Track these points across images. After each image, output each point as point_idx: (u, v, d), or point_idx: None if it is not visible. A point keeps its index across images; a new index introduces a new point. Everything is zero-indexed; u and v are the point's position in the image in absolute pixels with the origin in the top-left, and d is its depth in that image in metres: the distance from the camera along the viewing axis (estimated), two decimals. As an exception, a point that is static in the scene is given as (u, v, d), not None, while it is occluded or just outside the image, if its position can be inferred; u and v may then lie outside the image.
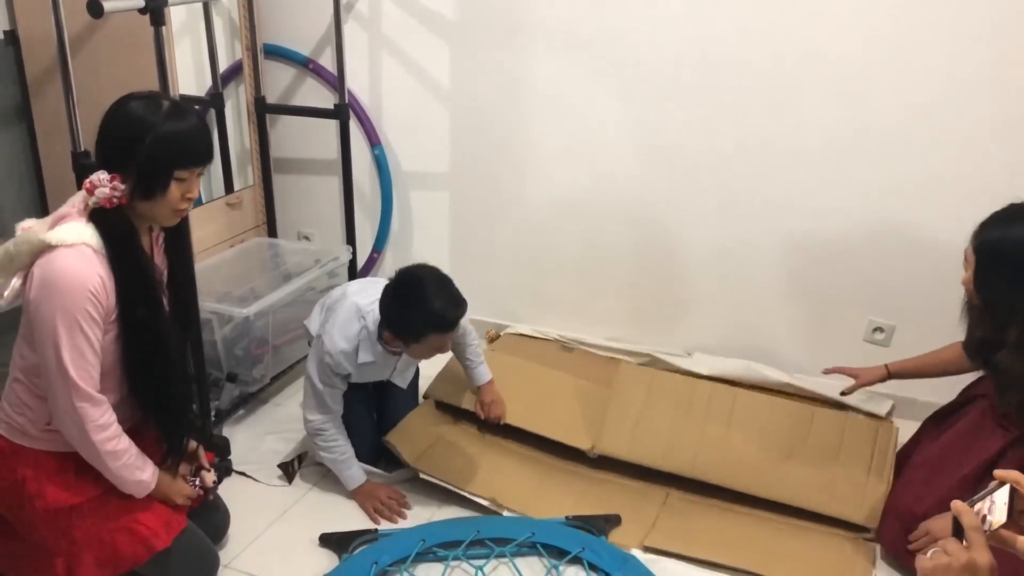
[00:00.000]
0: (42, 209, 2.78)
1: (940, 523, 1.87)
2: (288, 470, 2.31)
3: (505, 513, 2.15)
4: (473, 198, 3.02)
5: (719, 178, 2.68)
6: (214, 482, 1.92)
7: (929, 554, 0.96)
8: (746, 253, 2.73)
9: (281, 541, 2.07)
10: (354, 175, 3.00)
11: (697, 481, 2.24)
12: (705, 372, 2.78)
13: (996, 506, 0.98)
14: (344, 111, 2.88)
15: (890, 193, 2.50)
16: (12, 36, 2.63)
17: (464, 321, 2.36)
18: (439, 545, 1.99)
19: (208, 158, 1.67)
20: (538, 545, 2.01)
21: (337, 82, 2.87)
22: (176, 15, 2.61)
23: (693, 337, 2.89)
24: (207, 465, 1.92)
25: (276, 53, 3.06)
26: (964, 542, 0.94)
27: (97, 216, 1.60)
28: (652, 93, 2.66)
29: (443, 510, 2.20)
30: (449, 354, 2.56)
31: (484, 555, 2.00)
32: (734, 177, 2.66)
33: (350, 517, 2.14)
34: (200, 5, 2.79)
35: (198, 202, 1.75)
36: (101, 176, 1.58)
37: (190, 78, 2.82)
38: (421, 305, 1.99)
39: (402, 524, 2.12)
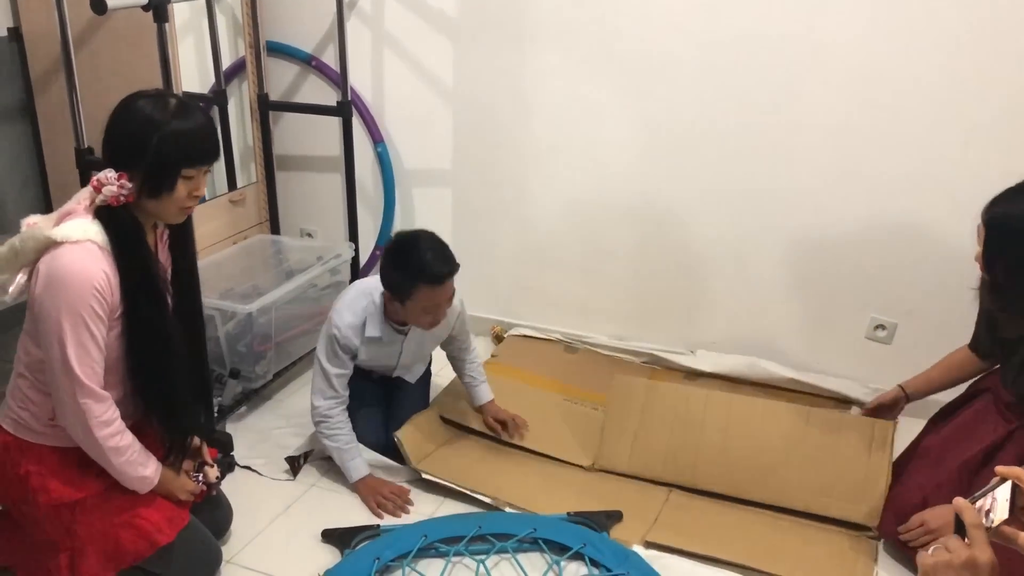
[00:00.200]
0: (45, 206, 2.79)
1: (934, 513, 1.87)
2: (294, 464, 2.31)
3: (507, 510, 2.15)
4: (476, 195, 3.02)
5: (722, 175, 2.68)
6: (217, 478, 1.92)
7: (931, 551, 0.96)
8: (749, 250, 2.73)
9: (284, 537, 2.07)
10: (357, 172, 3.00)
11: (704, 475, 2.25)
12: (709, 369, 2.79)
13: (998, 503, 0.98)
14: (347, 108, 2.88)
15: (893, 191, 2.50)
16: (16, 33, 2.64)
17: (468, 335, 2.42)
18: (441, 541, 2.00)
19: (215, 156, 1.68)
20: (539, 541, 2.01)
21: (340, 79, 2.88)
22: (179, 12, 2.61)
23: (697, 334, 2.90)
24: (210, 461, 1.92)
25: (279, 50, 3.07)
26: (966, 539, 0.95)
27: (103, 213, 1.60)
28: (655, 90, 2.66)
29: (445, 506, 2.20)
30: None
31: (485, 551, 2.00)
32: (737, 174, 2.66)
33: (353, 513, 2.15)
34: (203, 2, 2.80)
35: (201, 199, 1.75)
36: (108, 174, 1.59)
37: (193, 75, 2.82)
38: (412, 258, 2.04)
39: (404, 520, 2.13)
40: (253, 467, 2.33)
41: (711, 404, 2.34)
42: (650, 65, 2.64)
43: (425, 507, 2.20)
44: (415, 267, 2.04)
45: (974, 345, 2.06)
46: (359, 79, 3.01)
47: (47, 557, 1.70)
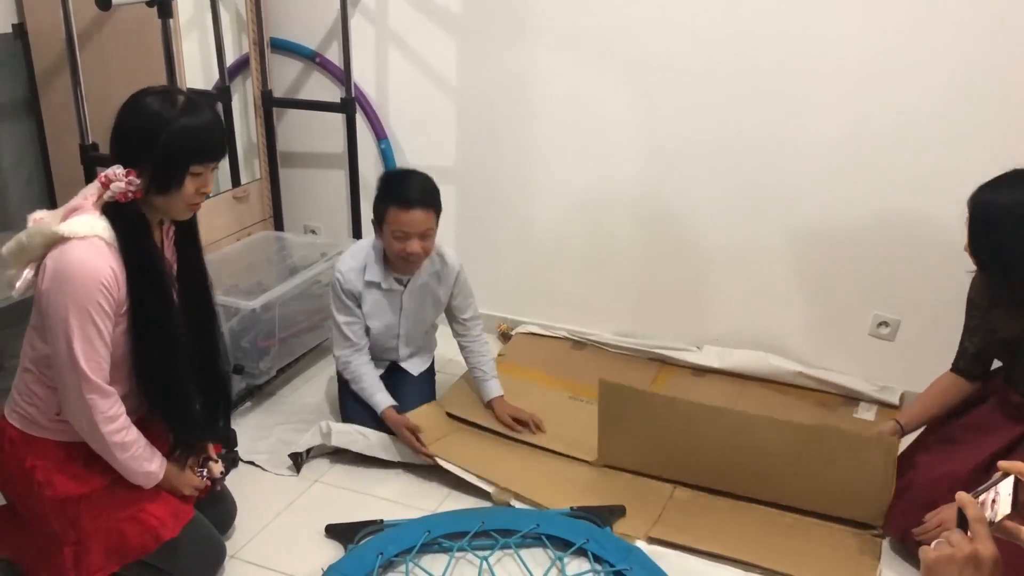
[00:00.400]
0: (50, 201, 2.80)
1: (950, 512, 1.87)
2: (297, 461, 2.32)
3: (513, 502, 2.16)
4: (479, 193, 3.03)
5: (726, 172, 2.68)
6: (221, 473, 1.93)
7: (933, 545, 0.96)
8: (753, 247, 2.73)
9: (287, 532, 2.08)
10: (360, 169, 3.01)
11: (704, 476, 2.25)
12: (716, 365, 2.79)
13: (1001, 497, 0.98)
14: (351, 105, 2.89)
15: (896, 188, 2.50)
16: (20, 29, 2.65)
17: (472, 308, 2.50)
18: (444, 536, 2.00)
19: (223, 153, 1.69)
20: (543, 536, 2.02)
21: (343, 76, 2.88)
22: (183, 8, 2.62)
23: (702, 330, 2.90)
24: (215, 456, 1.93)
25: (283, 47, 3.07)
26: (968, 533, 0.95)
27: (110, 209, 1.61)
28: (659, 88, 2.66)
29: (448, 502, 2.21)
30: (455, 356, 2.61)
31: (489, 546, 2.00)
32: (741, 171, 2.66)
33: (356, 509, 2.15)
34: (207, -2, 2.80)
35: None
36: (117, 171, 1.59)
37: (197, 71, 2.83)
38: (390, 184, 2.23)
39: (407, 515, 2.13)
40: (257, 462, 2.33)
41: (704, 418, 2.18)
42: (654, 63, 2.64)
43: (429, 503, 2.20)
44: (389, 191, 2.21)
45: (957, 365, 2.06)
46: (363, 76, 3.01)
47: (52, 551, 1.71)
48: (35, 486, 1.68)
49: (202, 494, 1.89)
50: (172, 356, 1.72)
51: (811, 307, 2.74)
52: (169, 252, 1.78)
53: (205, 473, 1.88)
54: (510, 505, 2.16)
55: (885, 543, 2.07)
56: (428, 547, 1.98)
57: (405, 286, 2.36)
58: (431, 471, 2.31)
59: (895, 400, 2.61)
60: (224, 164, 2.95)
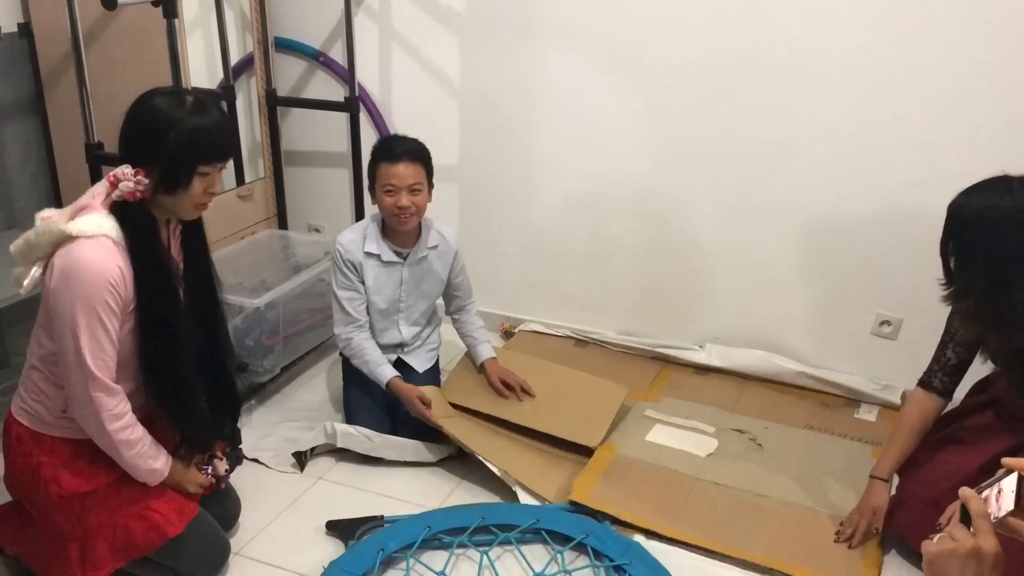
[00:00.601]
0: (55, 200, 2.81)
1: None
2: (301, 459, 2.32)
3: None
4: (482, 191, 3.03)
5: (729, 172, 2.68)
6: (226, 470, 1.94)
7: (936, 539, 0.97)
8: (755, 246, 2.74)
9: (291, 529, 2.08)
10: (364, 168, 3.00)
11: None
12: (718, 364, 2.80)
13: (1004, 494, 0.98)
14: (354, 104, 2.89)
15: (898, 188, 2.50)
16: (26, 29, 2.65)
17: (468, 287, 2.58)
18: (444, 531, 2.01)
19: (231, 154, 1.69)
20: (542, 532, 2.03)
21: (347, 75, 2.89)
22: (188, 8, 2.62)
23: (704, 329, 2.90)
24: (219, 454, 1.94)
25: (287, 46, 3.08)
26: (971, 528, 0.95)
27: (118, 208, 1.62)
28: (662, 87, 2.67)
29: (451, 499, 2.22)
30: (459, 355, 2.62)
31: (489, 541, 2.01)
32: (744, 170, 2.66)
33: (360, 506, 2.16)
34: (212, -2, 2.81)
35: (211, 195, 1.76)
36: (126, 170, 1.60)
37: (202, 71, 2.83)
38: (377, 145, 2.36)
39: (410, 512, 2.14)
40: (261, 460, 2.34)
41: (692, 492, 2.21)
42: (656, 61, 2.64)
43: (432, 501, 2.21)
44: (378, 150, 2.33)
45: (930, 382, 2.02)
46: (367, 75, 3.02)
47: (58, 548, 1.72)
48: (41, 483, 1.69)
49: (207, 491, 1.90)
50: (178, 354, 1.73)
51: (813, 306, 2.74)
52: (176, 251, 1.79)
53: (210, 471, 1.89)
54: (516, 485, 2.18)
55: (887, 541, 2.07)
56: (428, 543, 1.99)
57: (405, 260, 2.40)
58: (434, 469, 2.32)
59: (896, 400, 2.62)
60: (228, 163, 2.96)
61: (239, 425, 2.41)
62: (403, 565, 1.92)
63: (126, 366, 1.68)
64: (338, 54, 3.04)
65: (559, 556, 1.97)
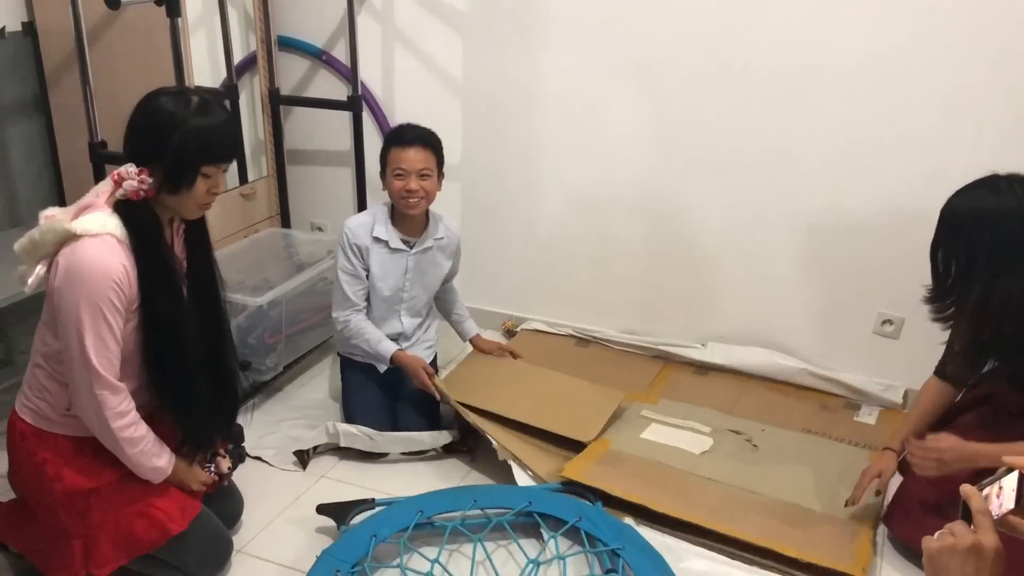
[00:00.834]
0: (59, 198, 2.81)
1: (952, 450, 1.83)
2: (303, 457, 2.33)
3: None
4: (485, 190, 3.03)
5: (731, 171, 2.68)
6: (229, 468, 1.95)
7: (936, 535, 0.97)
8: (757, 245, 2.74)
9: (294, 527, 2.09)
10: (367, 166, 3.01)
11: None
12: (720, 362, 2.80)
13: (1005, 492, 0.98)
14: (357, 103, 2.90)
15: (900, 186, 2.50)
16: (30, 28, 2.66)
17: (454, 285, 2.69)
18: (437, 515, 2.00)
19: (234, 154, 1.70)
20: (535, 514, 2.02)
21: (350, 74, 2.89)
22: (191, 7, 2.63)
23: (705, 328, 2.90)
24: (222, 452, 1.94)
25: (290, 45, 3.08)
26: (971, 525, 0.95)
27: (122, 207, 1.62)
28: (663, 85, 2.67)
29: (441, 483, 2.23)
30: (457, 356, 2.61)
31: (482, 524, 2.00)
32: (746, 170, 2.66)
33: (362, 504, 2.16)
34: (215, -3, 2.81)
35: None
36: (129, 169, 1.61)
37: (205, 69, 2.84)
38: (390, 132, 2.42)
39: (399, 494, 2.13)
40: (264, 458, 2.35)
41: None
42: (659, 60, 2.65)
43: (420, 483, 2.22)
44: (391, 136, 2.39)
45: (943, 371, 2.06)
46: (369, 74, 3.02)
47: (62, 545, 1.72)
48: (45, 480, 1.69)
49: (210, 489, 1.91)
50: (182, 352, 1.73)
51: (815, 305, 2.74)
52: (179, 250, 1.80)
53: (213, 468, 1.90)
54: (512, 459, 2.19)
55: (887, 540, 2.07)
56: (421, 527, 1.98)
57: (411, 248, 2.43)
58: (437, 466, 2.33)
59: (898, 399, 2.61)
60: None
61: (241, 423, 2.43)
62: (396, 550, 1.91)
63: (130, 364, 1.69)
64: (341, 53, 3.05)
65: (553, 541, 1.96)
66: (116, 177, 1.61)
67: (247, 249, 2.86)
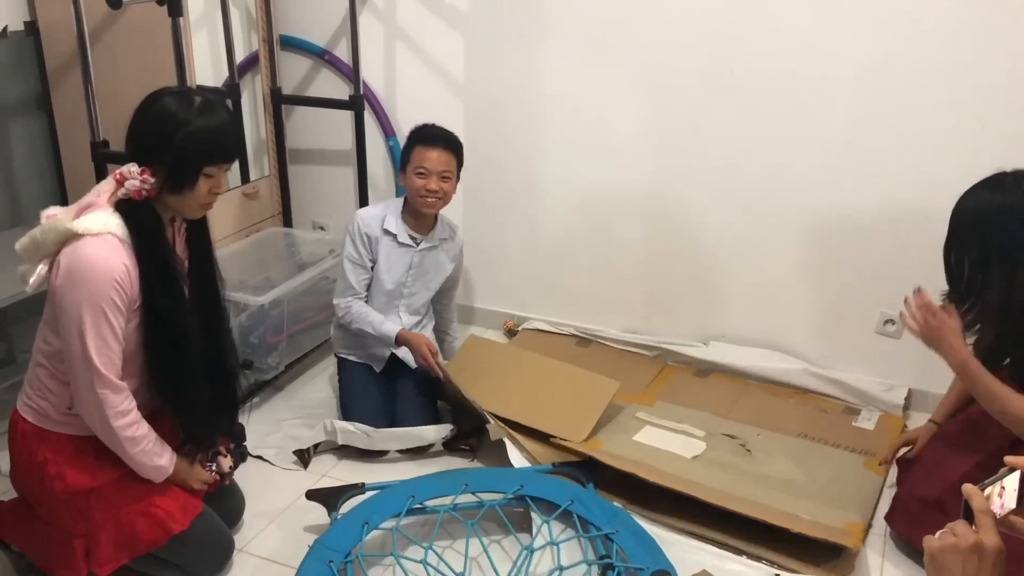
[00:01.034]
0: (61, 197, 2.82)
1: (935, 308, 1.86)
2: (304, 456, 2.33)
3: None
4: (486, 189, 3.03)
5: (732, 170, 2.68)
6: (230, 467, 1.95)
7: (937, 535, 0.97)
8: (759, 245, 2.73)
9: (295, 526, 2.09)
10: (368, 166, 3.02)
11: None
12: (722, 361, 2.79)
13: (1007, 492, 0.98)
14: (359, 102, 2.90)
15: (902, 186, 2.50)
16: (32, 27, 2.66)
17: (454, 306, 2.72)
18: (428, 500, 1.98)
19: (236, 155, 1.70)
20: (527, 498, 2.00)
21: (352, 73, 2.89)
22: (193, 6, 2.63)
23: (707, 328, 2.90)
24: (224, 451, 1.94)
25: (292, 44, 3.08)
26: (973, 524, 0.95)
27: (124, 207, 1.63)
28: (665, 84, 2.67)
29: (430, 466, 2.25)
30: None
31: (474, 509, 1.99)
32: (747, 169, 2.66)
33: (363, 503, 2.16)
34: (217, -4, 2.81)
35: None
36: (132, 168, 1.61)
37: (207, 69, 2.84)
38: (417, 129, 2.46)
39: (389, 478, 2.13)
40: (265, 457, 2.35)
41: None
42: (660, 60, 2.64)
43: (411, 467, 2.25)
44: (417, 133, 2.44)
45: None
46: (371, 73, 3.02)
47: (63, 544, 1.72)
48: (46, 479, 1.69)
49: (211, 488, 1.91)
50: (183, 351, 1.73)
51: (817, 305, 2.74)
52: (181, 249, 1.80)
53: (214, 467, 1.90)
54: (507, 437, 2.20)
55: (888, 539, 2.07)
56: (413, 512, 1.97)
57: (417, 244, 2.48)
58: (437, 464, 2.32)
59: (901, 401, 2.60)
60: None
61: (242, 422, 2.43)
62: (389, 537, 1.89)
63: (131, 363, 1.69)
64: (343, 52, 3.05)
65: (546, 526, 1.93)
66: (118, 176, 1.61)
67: (249, 248, 2.86)
